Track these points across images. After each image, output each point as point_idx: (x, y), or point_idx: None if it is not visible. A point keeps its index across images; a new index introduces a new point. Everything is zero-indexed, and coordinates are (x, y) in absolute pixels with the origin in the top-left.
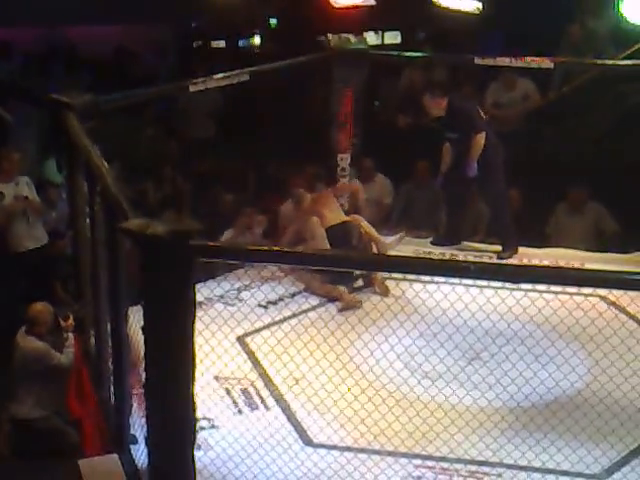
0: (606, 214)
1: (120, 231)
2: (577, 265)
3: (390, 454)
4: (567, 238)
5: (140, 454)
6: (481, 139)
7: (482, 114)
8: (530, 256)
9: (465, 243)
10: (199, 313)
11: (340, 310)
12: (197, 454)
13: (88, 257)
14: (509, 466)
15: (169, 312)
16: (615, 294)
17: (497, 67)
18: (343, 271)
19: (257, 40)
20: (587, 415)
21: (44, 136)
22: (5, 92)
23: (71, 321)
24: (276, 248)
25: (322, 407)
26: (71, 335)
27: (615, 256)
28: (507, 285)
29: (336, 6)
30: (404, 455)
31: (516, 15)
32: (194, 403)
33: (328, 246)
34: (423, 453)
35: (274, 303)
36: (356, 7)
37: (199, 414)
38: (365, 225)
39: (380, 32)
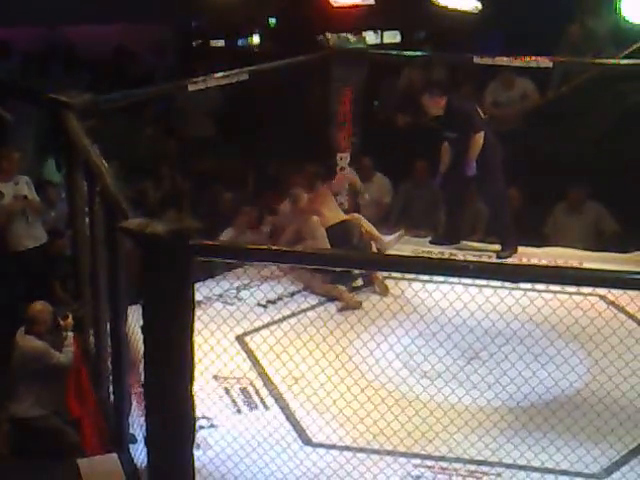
0: (605, 214)
1: (119, 230)
2: (576, 264)
3: (389, 453)
4: (566, 237)
5: (139, 453)
6: (480, 138)
7: (481, 114)
8: (529, 255)
9: (464, 242)
10: (198, 312)
11: (339, 310)
12: (196, 453)
13: (87, 256)
14: (508, 465)
15: (168, 311)
16: (614, 293)
17: (496, 66)
18: (343, 270)
19: (256, 39)
20: (586, 415)
21: (43, 135)
22: (4, 91)
23: (70, 320)
24: (275, 247)
25: (321, 406)
26: (70, 334)
27: (614, 255)
28: (506, 284)
29: (335, 5)
30: (403, 454)
31: (515, 14)
32: (193, 402)
33: (328, 245)
34: (422, 452)
35: (273, 302)
36: (355, 6)
37: (198, 413)
38: (365, 224)
39: (379, 31)
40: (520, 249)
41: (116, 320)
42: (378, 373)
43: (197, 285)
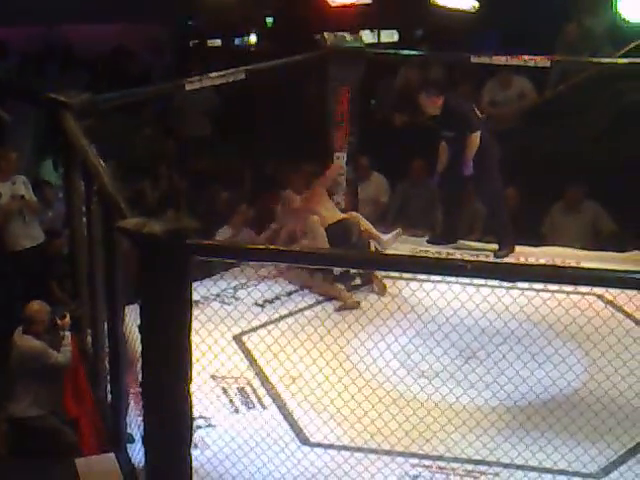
0: (603, 213)
1: (117, 230)
2: (574, 264)
3: (387, 453)
4: (563, 237)
5: (137, 453)
6: (476, 138)
7: (478, 113)
8: (527, 255)
9: (461, 242)
10: (195, 312)
11: (337, 310)
12: (194, 453)
13: (85, 256)
14: (506, 465)
15: (166, 311)
16: (612, 293)
17: (494, 66)
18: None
19: (253, 39)
20: (584, 414)
21: (41, 135)
22: (2, 91)
23: (67, 320)
24: (274, 247)
25: (318, 406)
26: (68, 334)
27: (612, 255)
28: (504, 284)
29: (332, 4)
30: (401, 454)
31: (513, 13)
32: (191, 402)
33: (327, 245)
34: (420, 452)
35: (271, 302)
36: (352, 5)
37: (196, 413)
38: (364, 222)
39: (376, 31)
40: (518, 248)
41: (114, 320)
42: (375, 372)
43: (194, 285)
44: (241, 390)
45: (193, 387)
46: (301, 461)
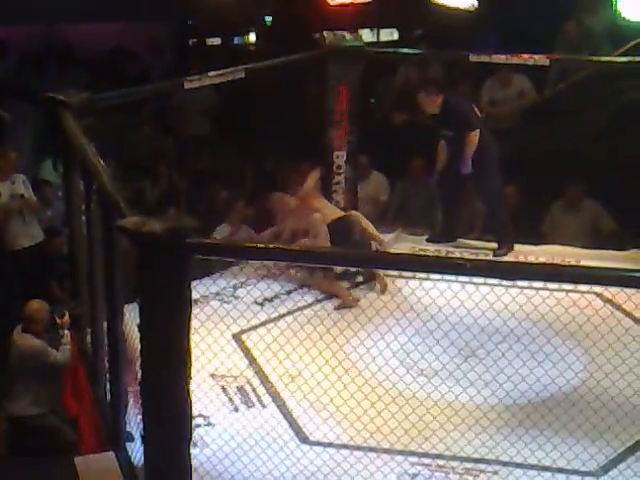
0: (603, 212)
1: (116, 229)
2: (573, 262)
3: (386, 451)
4: (563, 235)
5: (136, 452)
6: (475, 137)
7: (477, 112)
8: (526, 253)
9: (461, 240)
10: (195, 310)
11: (336, 308)
12: (193, 451)
13: (84, 255)
14: (505, 463)
15: (165, 310)
16: (611, 291)
17: (493, 64)
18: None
19: (252, 37)
20: (583, 412)
21: (40, 135)
22: (1, 91)
23: (67, 318)
24: (273, 245)
25: (318, 404)
26: (67, 333)
27: (611, 253)
28: (503, 282)
29: (331, 3)
30: (400, 452)
31: (512, 12)
32: (190, 400)
33: (329, 243)
34: (419, 450)
35: (270, 300)
36: (351, 4)
37: (195, 411)
38: (365, 222)
39: (375, 29)
40: (517, 247)
41: (113, 319)
42: (375, 371)
43: (194, 283)
44: (240, 389)
45: (192, 386)
46: (300, 459)
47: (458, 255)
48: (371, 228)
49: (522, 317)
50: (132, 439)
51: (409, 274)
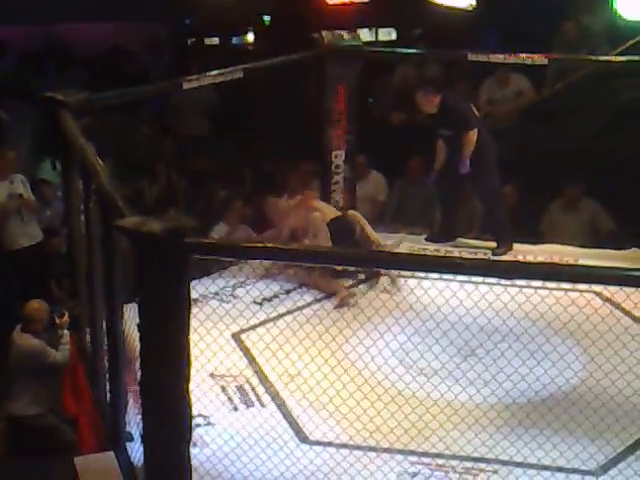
0: (601, 211)
1: (115, 229)
2: (572, 261)
3: (386, 451)
4: (562, 235)
5: (136, 451)
6: (473, 136)
7: (475, 111)
8: (525, 252)
9: (460, 240)
10: (194, 310)
11: (335, 307)
12: (193, 451)
13: (83, 255)
14: (505, 462)
15: (164, 309)
16: (610, 290)
17: (491, 64)
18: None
19: (251, 37)
20: (583, 411)
21: (39, 134)
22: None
23: (66, 318)
24: (272, 245)
25: (318, 404)
26: (66, 332)
27: (610, 252)
28: (502, 281)
29: (329, 3)
30: (400, 452)
31: (510, 12)
32: (189, 400)
33: (330, 242)
34: (419, 450)
35: (269, 300)
36: (350, 4)
37: (194, 411)
38: (362, 221)
39: (374, 29)
40: (516, 246)
41: (112, 318)
42: (374, 370)
43: (193, 283)
44: (240, 388)
45: (192, 385)
46: (300, 459)
47: (457, 254)
48: (368, 228)
49: (521, 316)
50: (132, 439)
51: (408, 273)
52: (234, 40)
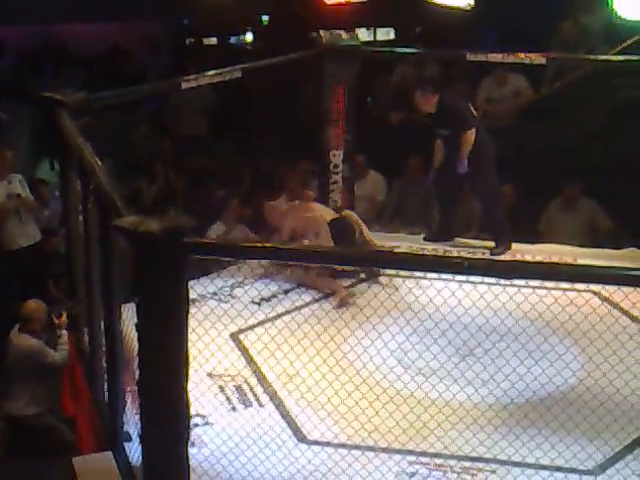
0: (599, 210)
1: (113, 228)
2: (570, 261)
3: (384, 450)
4: (560, 234)
5: (134, 451)
6: (471, 136)
7: (473, 111)
8: (523, 252)
9: (458, 239)
10: (192, 310)
11: (335, 307)
12: (191, 451)
13: (81, 255)
14: (503, 462)
15: (162, 309)
16: (608, 290)
17: (489, 63)
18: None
19: (249, 37)
20: (581, 411)
21: (37, 134)
22: None
23: (64, 318)
24: (271, 244)
25: (316, 404)
26: (65, 332)
27: (608, 252)
28: (500, 281)
29: (328, 2)
30: (398, 452)
31: (508, 11)
32: (188, 400)
33: (332, 243)
34: (417, 449)
35: (267, 300)
36: (348, 3)
37: (193, 411)
38: (360, 223)
39: (372, 28)
40: (514, 246)
41: (110, 318)
42: (372, 370)
43: (191, 283)
44: (238, 388)
45: (190, 385)
46: (298, 459)
47: (455, 254)
48: (365, 230)
49: (519, 316)
50: (130, 439)
51: (407, 273)
52: (232, 40)
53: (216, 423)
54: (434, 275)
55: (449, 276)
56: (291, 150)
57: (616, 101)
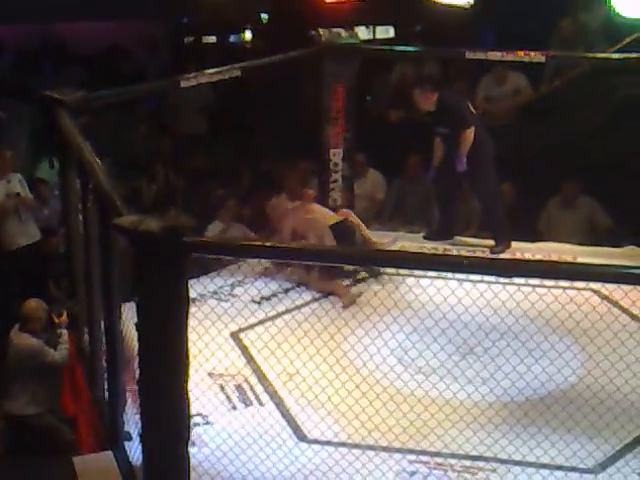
0: (599, 208)
1: (113, 228)
2: (570, 259)
3: (384, 449)
4: (560, 232)
5: (134, 451)
6: (470, 134)
7: (472, 109)
8: (523, 250)
9: (458, 238)
10: (192, 309)
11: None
12: (191, 450)
13: (81, 254)
14: (503, 461)
15: (162, 308)
16: (608, 288)
17: (489, 62)
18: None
19: (248, 35)
20: (581, 409)
21: (36, 133)
22: None
23: (65, 318)
24: (270, 243)
25: (316, 403)
26: (65, 332)
27: (608, 250)
28: (500, 279)
29: (327, 1)
30: (398, 450)
31: (507, 9)
32: (188, 399)
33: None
34: (417, 448)
35: (267, 299)
36: (347, 1)
37: (193, 410)
38: (358, 222)
39: (371, 27)
40: (514, 244)
41: (110, 318)
42: (373, 369)
43: (191, 282)
44: (238, 387)
45: (190, 385)
46: (299, 458)
47: (455, 252)
48: (365, 231)
49: (519, 314)
50: (130, 438)
51: (406, 272)
52: (232, 38)
53: (216, 422)
54: (434, 273)
55: (449, 275)
56: (291, 149)
57: (615, 99)
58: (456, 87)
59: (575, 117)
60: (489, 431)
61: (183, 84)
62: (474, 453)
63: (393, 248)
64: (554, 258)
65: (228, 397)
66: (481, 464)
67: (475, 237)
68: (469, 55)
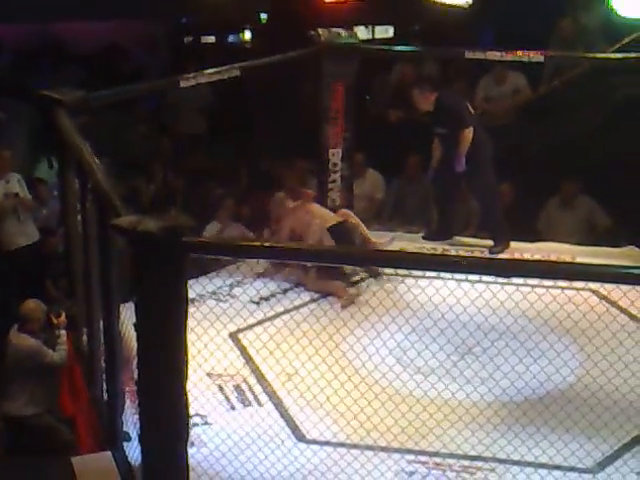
0: (597, 208)
1: (111, 228)
2: (569, 259)
3: (383, 449)
4: (559, 232)
5: (133, 451)
6: (469, 134)
7: (471, 109)
8: (522, 250)
9: (457, 238)
10: (191, 310)
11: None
12: (190, 451)
13: (80, 254)
14: (502, 460)
15: (161, 309)
16: (607, 288)
17: (488, 62)
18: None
19: (247, 35)
20: (579, 409)
21: (35, 133)
22: None
23: (63, 318)
24: (269, 244)
25: (314, 403)
26: (63, 332)
27: (606, 250)
28: (499, 280)
29: (326, 0)
30: (397, 450)
31: (506, 9)
32: (187, 400)
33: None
34: (416, 448)
35: (266, 299)
36: (346, 1)
37: (192, 411)
38: (357, 222)
39: (370, 26)
40: (513, 244)
41: (109, 318)
42: (371, 369)
43: (190, 282)
44: (237, 387)
45: (189, 385)
46: (297, 458)
47: (454, 253)
48: (365, 231)
49: (518, 314)
50: (129, 439)
51: (405, 272)
52: (231, 38)
53: (215, 422)
54: (433, 274)
55: (448, 275)
56: (290, 149)
57: (614, 99)
58: (455, 87)
59: (574, 117)
60: (488, 431)
61: (182, 84)
62: (473, 453)
63: (390, 248)
64: (553, 258)
65: (227, 397)
66: (479, 464)
67: (474, 237)
68: (468, 55)
